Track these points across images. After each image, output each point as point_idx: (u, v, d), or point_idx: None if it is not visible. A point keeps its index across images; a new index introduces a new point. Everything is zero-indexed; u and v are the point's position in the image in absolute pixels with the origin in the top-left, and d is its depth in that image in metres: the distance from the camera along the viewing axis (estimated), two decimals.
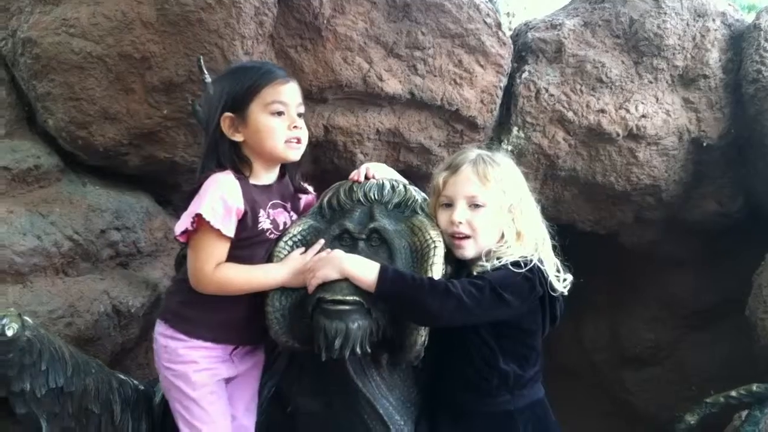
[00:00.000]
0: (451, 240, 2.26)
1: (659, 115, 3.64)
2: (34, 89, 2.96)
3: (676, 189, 3.84)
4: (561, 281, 2.27)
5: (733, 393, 2.92)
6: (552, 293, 2.25)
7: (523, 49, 3.67)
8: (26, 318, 2.08)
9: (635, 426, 4.43)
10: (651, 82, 3.66)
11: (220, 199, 2.19)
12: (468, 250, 2.25)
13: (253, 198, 2.27)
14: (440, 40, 3.34)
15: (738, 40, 3.75)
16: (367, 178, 2.44)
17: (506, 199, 2.27)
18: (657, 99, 3.65)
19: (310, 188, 2.60)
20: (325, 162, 3.46)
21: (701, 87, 3.72)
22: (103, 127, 2.94)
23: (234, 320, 2.30)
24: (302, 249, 2.28)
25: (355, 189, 2.41)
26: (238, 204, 2.21)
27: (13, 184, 2.88)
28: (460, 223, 2.23)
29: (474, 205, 2.25)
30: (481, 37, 3.40)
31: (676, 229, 4.07)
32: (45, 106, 2.96)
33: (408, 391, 2.36)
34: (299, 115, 2.33)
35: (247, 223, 2.25)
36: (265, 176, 2.36)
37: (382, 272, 2.08)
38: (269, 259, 2.30)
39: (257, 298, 2.26)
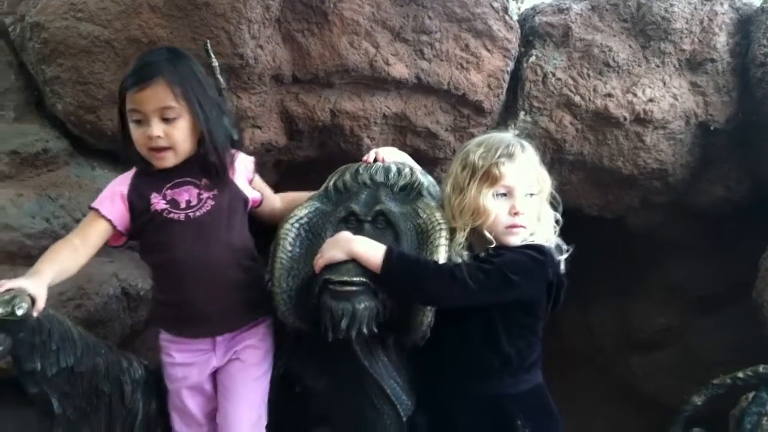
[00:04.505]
0: (507, 230, 2.24)
1: (666, 99, 3.63)
2: (42, 73, 2.97)
3: (683, 173, 3.83)
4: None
5: (740, 374, 2.93)
6: (559, 280, 2.26)
7: (530, 34, 3.66)
8: None
9: (642, 410, 4.43)
10: (658, 66, 3.64)
11: (107, 187, 2.33)
12: (520, 237, 2.25)
13: (144, 184, 2.29)
14: (447, 24, 3.33)
15: (746, 24, 3.73)
16: (376, 161, 2.46)
17: (548, 186, 2.33)
18: (664, 83, 3.64)
19: (248, 159, 2.51)
20: (332, 146, 3.46)
21: (708, 71, 3.70)
22: (111, 111, 2.92)
23: (186, 311, 2.32)
24: None
25: (361, 171, 2.43)
26: (121, 188, 2.28)
27: (21, 168, 2.90)
28: (523, 213, 2.23)
29: (530, 195, 2.26)
30: (488, 21, 3.39)
31: (683, 213, 4.06)
32: (53, 90, 2.97)
33: (415, 372, 2.40)
34: (167, 119, 2.21)
35: (137, 207, 2.27)
36: None
37: (388, 254, 2.09)
38: (276, 239, 2.31)
39: (212, 286, 2.28)
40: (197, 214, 2.26)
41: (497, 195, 2.26)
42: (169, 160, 2.26)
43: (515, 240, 2.24)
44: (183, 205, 2.27)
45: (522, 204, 2.23)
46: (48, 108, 3.08)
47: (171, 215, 2.25)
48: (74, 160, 3.07)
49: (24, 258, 2.67)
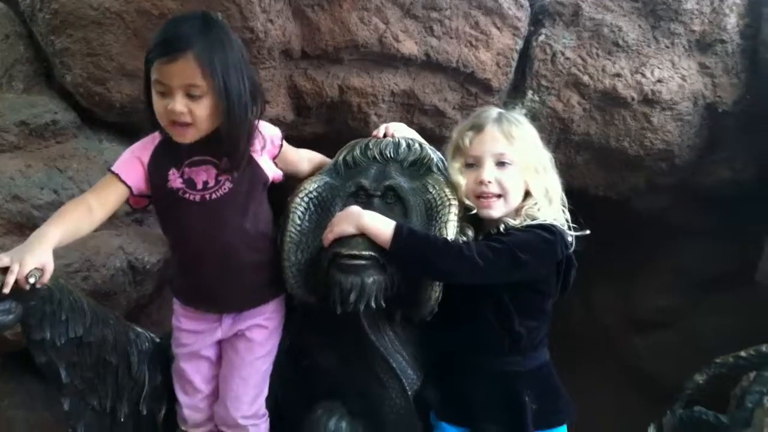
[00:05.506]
0: (478, 200, 2.25)
1: (675, 79, 3.62)
2: (52, 45, 2.96)
3: (689, 155, 3.83)
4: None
5: (743, 353, 2.96)
6: (569, 260, 2.27)
7: (540, 12, 3.65)
8: None
9: (644, 391, 4.46)
10: (668, 47, 3.64)
11: (128, 150, 2.26)
12: (496, 209, 2.24)
13: (165, 156, 2.22)
14: (457, 1, 3.32)
15: (756, 6, 3.72)
16: (385, 136, 2.47)
17: (532, 157, 2.27)
18: (673, 64, 3.64)
19: (274, 133, 2.38)
20: (339, 123, 3.47)
21: (718, 52, 3.70)
22: (120, 83, 2.95)
23: (197, 287, 2.32)
24: None
25: (371, 146, 2.43)
26: (142, 155, 2.22)
27: (30, 139, 2.90)
28: (489, 182, 2.21)
29: (501, 164, 2.24)
30: None
31: (689, 195, 4.07)
32: (63, 62, 2.97)
33: (420, 347, 2.40)
34: (192, 96, 2.08)
35: (155, 179, 2.21)
36: None
37: (398, 229, 2.09)
38: (285, 212, 2.32)
39: (223, 269, 2.26)
40: (213, 196, 2.21)
41: (466, 166, 2.29)
42: (190, 135, 2.15)
43: (490, 212, 2.24)
44: (199, 186, 2.20)
45: (489, 173, 2.23)
46: (57, 80, 3.08)
47: (186, 195, 2.20)
48: (82, 132, 3.08)
49: (31, 229, 2.60)
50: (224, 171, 2.21)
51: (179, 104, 2.07)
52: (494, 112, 2.35)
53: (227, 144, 2.17)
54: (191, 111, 2.09)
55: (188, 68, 2.05)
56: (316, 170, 2.49)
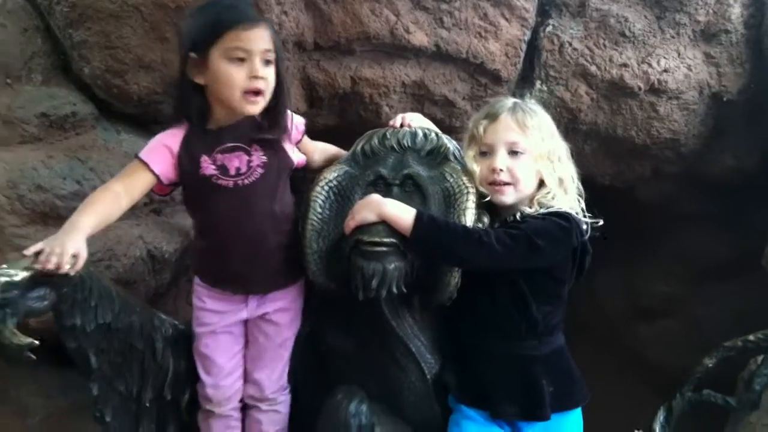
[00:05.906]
0: (491, 187, 2.31)
1: (681, 69, 3.66)
2: (70, 37, 2.99)
3: (694, 143, 3.87)
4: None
5: (751, 337, 3.00)
6: (584, 247, 2.32)
7: (547, 3, 3.67)
8: None
9: (647, 378, 4.49)
10: (673, 37, 3.67)
11: (155, 139, 2.32)
12: (508, 196, 2.30)
13: (195, 143, 2.27)
14: None
15: None
16: (402, 126, 2.51)
17: (545, 146, 2.33)
18: (679, 54, 3.67)
19: (298, 120, 2.49)
20: (352, 114, 3.50)
21: (723, 42, 3.73)
22: (137, 75, 2.98)
23: (225, 270, 2.38)
24: None
25: (388, 136, 2.48)
26: (171, 143, 2.27)
27: (50, 131, 2.92)
28: (501, 170, 2.27)
29: (514, 152, 2.30)
30: None
31: (694, 183, 4.10)
32: (81, 54, 3.00)
33: (438, 332, 2.46)
34: (267, 62, 2.21)
35: (185, 167, 2.26)
36: (227, 121, 2.30)
37: (418, 216, 2.15)
38: (305, 201, 2.38)
39: (252, 253, 2.33)
40: (245, 182, 2.27)
41: (480, 154, 2.35)
42: (260, 105, 2.24)
43: (502, 198, 2.31)
44: (232, 172, 2.26)
45: (502, 161, 2.29)
46: (75, 72, 3.10)
47: (219, 181, 2.26)
48: (100, 124, 3.10)
49: (55, 219, 2.71)
50: (256, 155, 2.28)
51: (262, 69, 2.19)
52: (509, 101, 2.40)
53: (275, 115, 2.30)
54: (266, 78, 2.21)
55: (266, 34, 2.20)
56: (328, 162, 2.55)
